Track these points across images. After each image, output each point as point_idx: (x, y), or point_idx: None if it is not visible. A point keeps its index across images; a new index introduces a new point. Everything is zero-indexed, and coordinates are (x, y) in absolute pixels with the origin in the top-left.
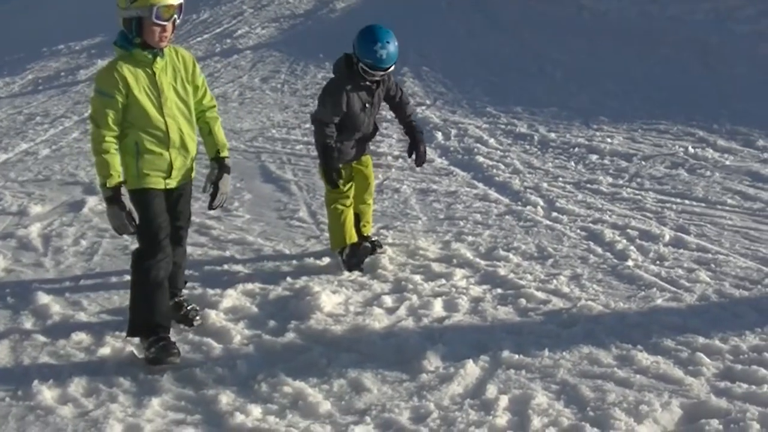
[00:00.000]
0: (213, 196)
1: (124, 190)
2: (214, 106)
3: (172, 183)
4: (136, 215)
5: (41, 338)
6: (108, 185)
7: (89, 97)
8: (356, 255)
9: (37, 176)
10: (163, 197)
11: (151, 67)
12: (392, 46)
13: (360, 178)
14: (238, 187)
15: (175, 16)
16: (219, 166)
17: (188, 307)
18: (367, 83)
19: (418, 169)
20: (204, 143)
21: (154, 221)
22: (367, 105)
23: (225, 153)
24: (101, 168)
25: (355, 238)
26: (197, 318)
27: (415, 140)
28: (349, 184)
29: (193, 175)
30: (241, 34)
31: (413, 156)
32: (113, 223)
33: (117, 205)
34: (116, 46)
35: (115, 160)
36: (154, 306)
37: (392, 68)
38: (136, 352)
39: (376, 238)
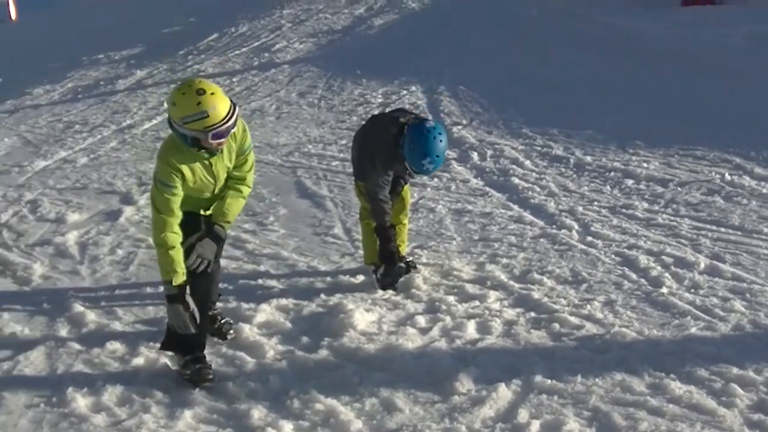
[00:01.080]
0: (187, 253)
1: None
2: (245, 179)
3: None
4: (197, 315)
5: (76, 346)
6: (174, 283)
7: (151, 186)
8: (390, 275)
9: (75, 184)
10: (201, 220)
11: (209, 159)
12: (441, 158)
13: (396, 198)
14: (273, 201)
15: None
16: (207, 228)
17: (222, 321)
18: None
19: (453, 188)
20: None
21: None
22: (407, 172)
23: (223, 223)
24: (166, 264)
25: None
26: (231, 332)
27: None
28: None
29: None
30: (279, 49)
31: None
32: (174, 321)
33: (181, 305)
34: (172, 128)
35: (180, 256)
36: (195, 326)
37: None
38: (169, 363)
39: (410, 258)
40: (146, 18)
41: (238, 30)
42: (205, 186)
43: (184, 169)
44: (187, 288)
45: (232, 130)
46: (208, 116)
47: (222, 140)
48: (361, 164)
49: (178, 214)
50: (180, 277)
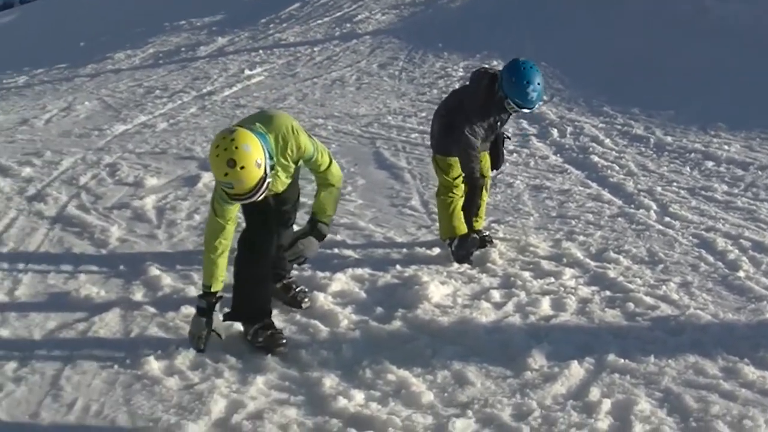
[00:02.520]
0: (289, 247)
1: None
2: (327, 178)
3: None
4: (222, 335)
5: (151, 309)
6: (213, 289)
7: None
8: (465, 247)
9: (154, 149)
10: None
11: None
12: (541, 86)
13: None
14: (351, 171)
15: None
16: (311, 226)
17: (296, 289)
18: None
19: (532, 164)
20: (315, 198)
21: (261, 218)
22: (499, 123)
23: (324, 220)
24: (210, 269)
25: (464, 230)
26: (306, 300)
27: (498, 147)
28: (460, 176)
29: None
30: (361, 20)
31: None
32: (193, 329)
33: (206, 319)
34: None
35: (225, 265)
36: (258, 294)
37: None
38: (243, 329)
39: (487, 233)
40: None
41: (320, 0)
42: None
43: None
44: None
45: (261, 196)
46: (232, 188)
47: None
48: (450, 132)
49: (234, 222)
50: (219, 285)
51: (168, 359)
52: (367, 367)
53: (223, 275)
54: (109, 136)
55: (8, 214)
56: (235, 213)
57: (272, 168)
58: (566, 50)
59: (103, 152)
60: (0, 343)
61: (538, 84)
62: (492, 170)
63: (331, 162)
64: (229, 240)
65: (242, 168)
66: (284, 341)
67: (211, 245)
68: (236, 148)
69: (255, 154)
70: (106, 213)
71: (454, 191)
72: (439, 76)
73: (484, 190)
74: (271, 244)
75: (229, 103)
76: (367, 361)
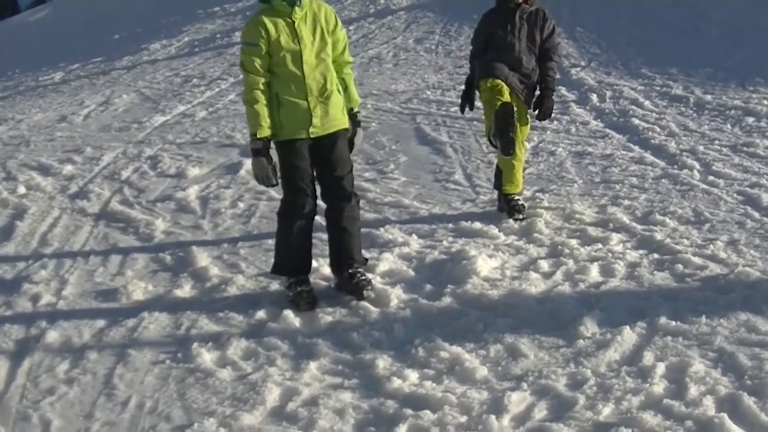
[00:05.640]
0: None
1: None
2: (350, 63)
3: (318, 131)
4: (278, 169)
5: (200, 301)
6: (258, 136)
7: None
8: (505, 135)
9: (195, 138)
10: (307, 147)
11: (290, 17)
12: None
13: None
14: (393, 149)
15: None
16: (352, 121)
17: (361, 278)
18: (510, 6)
19: (573, 131)
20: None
21: (295, 172)
22: (509, 26)
23: (357, 108)
24: (251, 118)
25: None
26: (368, 288)
27: (542, 94)
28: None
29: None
30: None
31: (537, 110)
32: (257, 173)
33: (264, 158)
34: (259, 1)
35: (265, 112)
36: (295, 252)
37: None
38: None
39: (521, 200)
40: None
41: None
42: (290, 49)
43: (268, 23)
44: (271, 143)
45: None
46: None
47: None
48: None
49: (264, 75)
50: (264, 131)
51: (220, 350)
52: (419, 345)
53: (267, 122)
54: (149, 128)
55: (52, 213)
56: (265, 65)
57: None
58: (602, 15)
59: (143, 145)
60: (50, 345)
61: None
62: (538, 118)
63: (346, 44)
64: (264, 89)
65: None
66: (310, 300)
67: (249, 98)
68: None
69: None
70: (150, 206)
71: (498, 96)
72: None
73: (518, 148)
74: (307, 205)
75: None
76: (419, 340)
